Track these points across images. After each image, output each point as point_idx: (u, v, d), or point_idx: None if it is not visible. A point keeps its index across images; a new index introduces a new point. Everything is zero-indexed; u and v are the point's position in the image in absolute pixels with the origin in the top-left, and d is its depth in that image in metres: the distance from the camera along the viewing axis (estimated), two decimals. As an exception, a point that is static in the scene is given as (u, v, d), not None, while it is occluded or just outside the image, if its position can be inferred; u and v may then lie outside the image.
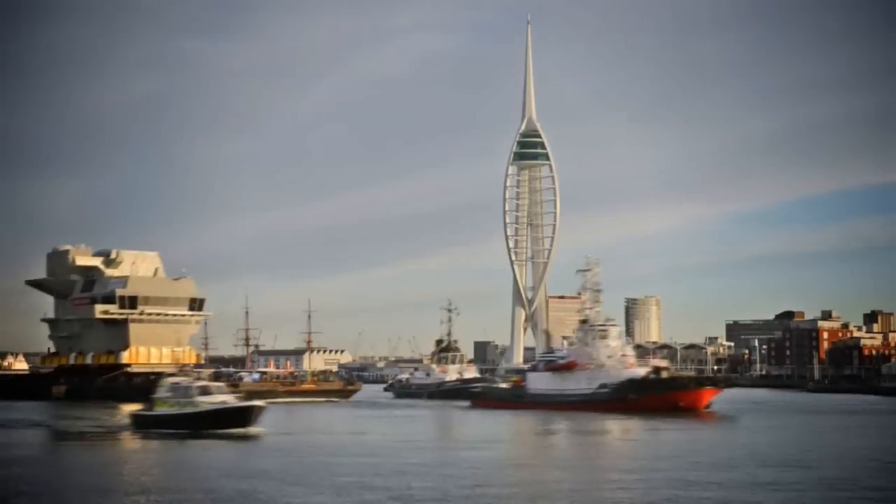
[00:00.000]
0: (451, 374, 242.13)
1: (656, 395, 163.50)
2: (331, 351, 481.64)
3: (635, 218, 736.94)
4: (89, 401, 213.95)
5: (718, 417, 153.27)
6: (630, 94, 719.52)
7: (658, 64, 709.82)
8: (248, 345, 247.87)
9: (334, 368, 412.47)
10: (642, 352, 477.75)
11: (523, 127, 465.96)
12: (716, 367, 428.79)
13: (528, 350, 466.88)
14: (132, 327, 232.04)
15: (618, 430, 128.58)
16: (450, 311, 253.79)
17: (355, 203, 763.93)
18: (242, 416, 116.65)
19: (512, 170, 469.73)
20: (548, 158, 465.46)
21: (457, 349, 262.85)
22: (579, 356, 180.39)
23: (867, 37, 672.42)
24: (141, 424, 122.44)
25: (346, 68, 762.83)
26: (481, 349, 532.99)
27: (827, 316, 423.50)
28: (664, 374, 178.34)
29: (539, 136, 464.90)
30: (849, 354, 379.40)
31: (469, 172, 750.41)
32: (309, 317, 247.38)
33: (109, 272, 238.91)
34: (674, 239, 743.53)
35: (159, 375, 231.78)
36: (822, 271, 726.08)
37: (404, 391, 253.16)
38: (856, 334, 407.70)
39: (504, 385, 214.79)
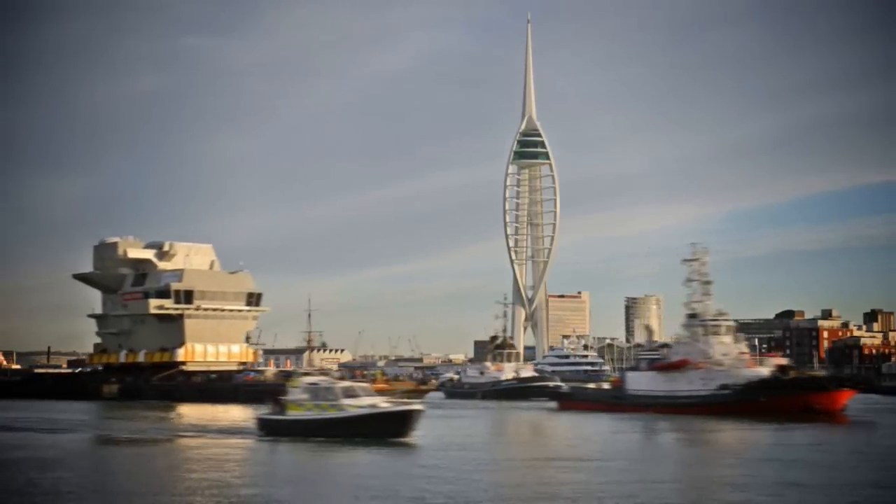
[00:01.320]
0: (508, 372, 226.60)
1: (788, 397, 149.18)
2: (331, 350, 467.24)
3: (635, 217, 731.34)
4: (144, 401, 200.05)
5: (855, 421, 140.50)
6: (630, 94, 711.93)
7: (658, 63, 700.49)
8: (247, 344, 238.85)
9: (335, 367, 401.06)
10: (643, 351, 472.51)
11: (523, 126, 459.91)
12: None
13: (529, 349, 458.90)
14: (188, 323, 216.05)
15: (772, 437, 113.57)
16: (505, 304, 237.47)
17: (355, 202, 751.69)
18: (402, 423, 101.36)
19: (512, 169, 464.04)
20: (548, 158, 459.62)
21: (512, 346, 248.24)
22: (691, 354, 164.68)
23: (868, 35, 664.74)
24: (271, 430, 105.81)
25: (347, 68, 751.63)
26: (481, 348, 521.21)
27: (827, 315, 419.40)
28: (791, 374, 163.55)
29: (539, 136, 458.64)
30: (849, 354, 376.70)
31: (469, 171, 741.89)
32: (309, 315, 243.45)
33: (162, 265, 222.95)
34: (674, 238, 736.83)
35: (219, 374, 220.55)
36: (822, 270, 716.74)
37: (455, 391, 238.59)
38: (856, 333, 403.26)
39: (591, 385, 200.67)
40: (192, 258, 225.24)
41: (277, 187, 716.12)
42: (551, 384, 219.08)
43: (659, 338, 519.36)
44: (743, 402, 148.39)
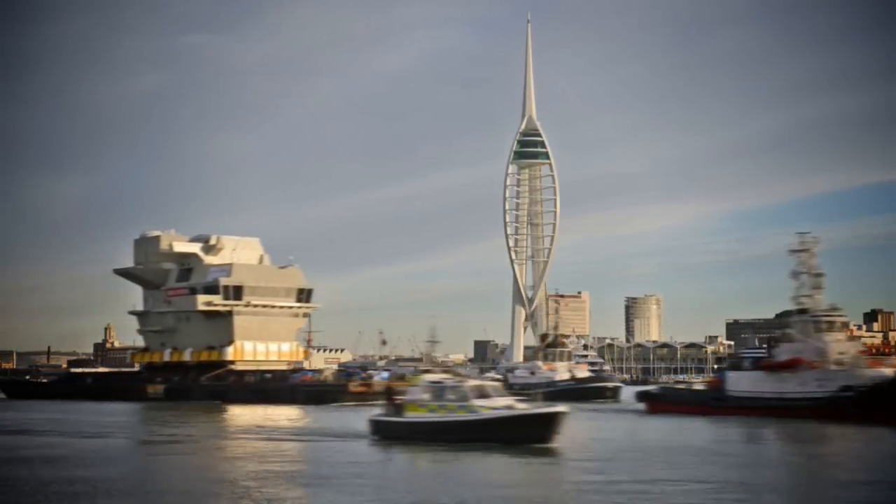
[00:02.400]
0: (562, 372, 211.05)
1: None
2: (331, 350, 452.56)
3: (635, 217, 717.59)
4: (192, 401, 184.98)
5: None
6: (630, 93, 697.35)
7: (658, 63, 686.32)
8: None
9: (335, 367, 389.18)
10: (643, 351, 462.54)
11: (523, 126, 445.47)
12: (715, 367, 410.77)
13: (528, 349, 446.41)
14: (237, 320, 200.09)
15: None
16: (557, 300, 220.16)
17: (355, 202, 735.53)
18: (546, 426, 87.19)
19: (512, 169, 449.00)
20: (548, 157, 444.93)
21: (564, 343, 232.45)
22: (803, 352, 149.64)
23: (868, 35, 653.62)
24: (386, 433, 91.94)
25: (348, 67, 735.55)
26: (481, 348, 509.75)
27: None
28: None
29: (539, 136, 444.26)
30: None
31: (469, 171, 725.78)
32: (308, 316, 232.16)
33: (209, 259, 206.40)
34: (674, 238, 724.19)
35: (273, 373, 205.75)
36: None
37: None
38: (856, 333, 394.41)
39: (680, 386, 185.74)
40: (238, 252, 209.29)
41: (278, 187, 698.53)
42: (611, 384, 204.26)
43: (658, 338, 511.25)
44: (871, 406, 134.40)
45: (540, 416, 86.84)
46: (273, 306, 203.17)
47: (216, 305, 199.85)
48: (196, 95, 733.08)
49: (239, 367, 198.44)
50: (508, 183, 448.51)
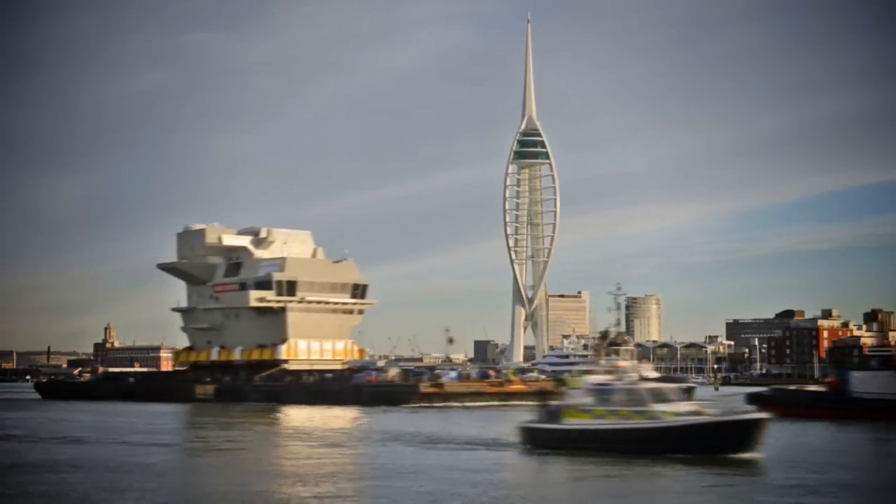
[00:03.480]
0: (631, 372, 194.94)
1: None
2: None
3: (635, 217, 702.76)
4: (245, 403, 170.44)
5: None
6: (630, 93, 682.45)
7: (659, 62, 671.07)
8: None
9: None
10: (643, 351, 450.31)
11: (523, 126, 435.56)
12: (716, 367, 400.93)
13: (528, 349, 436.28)
14: (291, 317, 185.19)
15: None
16: (616, 295, 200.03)
17: (355, 201, 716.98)
18: (745, 435, 73.80)
19: (512, 168, 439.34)
20: (548, 157, 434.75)
21: (626, 342, 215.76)
22: None
23: (869, 34, 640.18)
24: (542, 442, 77.58)
25: (349, 66, 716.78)
26: (481, 348, 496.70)
27: (827, 315, 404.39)
28: None
29: (539, 135, 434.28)
30: (849, 353, 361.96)
31: (469, 171, 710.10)
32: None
33: (259, 253, 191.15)
34: (674, 238, 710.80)
35: (334, 373, 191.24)
36: (822, 270, 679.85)
37: None
38: (856, 333, 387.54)
39: (791, 387, 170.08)
40: (289, 246, 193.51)
41: (278, 187, 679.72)
42: (685, 385, 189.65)
43: (658, 338, 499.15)
44: None
45: (740, 424, 72.86)
46: (328, 302, 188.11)
47: (269, 301, 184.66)
48: (197, 94, 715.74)
49: (292, 366, 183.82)
50: (508, 183, 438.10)
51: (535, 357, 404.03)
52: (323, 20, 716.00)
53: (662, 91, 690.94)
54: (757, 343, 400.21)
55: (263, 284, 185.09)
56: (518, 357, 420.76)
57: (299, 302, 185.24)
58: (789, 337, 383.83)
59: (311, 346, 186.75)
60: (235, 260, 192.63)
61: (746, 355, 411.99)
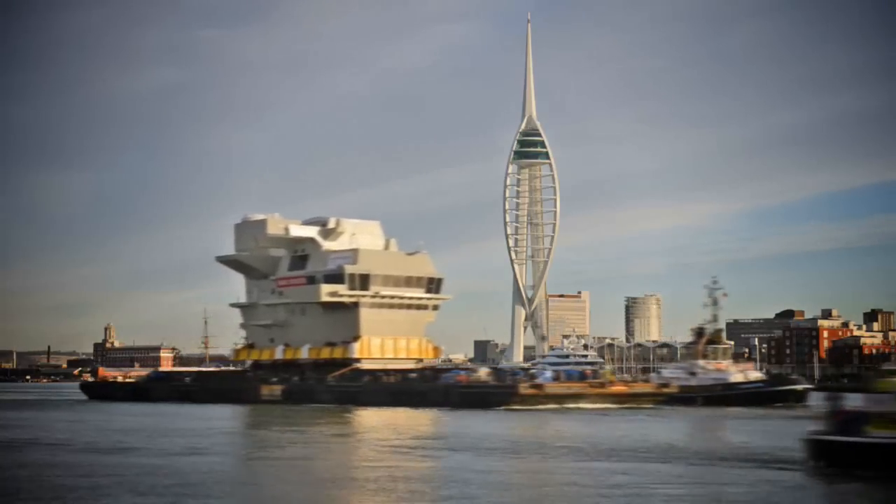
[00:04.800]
0: (734, 373, 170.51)
1: None
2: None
3: (635, 217, 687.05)
4: (316, 404, 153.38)
5: None
6: (631, 93, 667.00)
7: (660, 62, 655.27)
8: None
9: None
10: (643, 350, 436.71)
11: (523, 126, 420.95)
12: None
13: (528, 349, 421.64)
14: (363, 313, 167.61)
15: None
16: (713, 289, 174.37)
17: (355, 201, 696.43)
18: None
19: (512, 168, 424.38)
20: (548, 157, 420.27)
21: (721, 340, 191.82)
22: None
23: (882, 31, 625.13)
24: (841, 459, 59.10)
25: (348, 66, 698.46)
26: (481, 348, 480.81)
27: (827, 315, 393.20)
28: None
29: (539, 135, 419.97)
30: (849, 353, 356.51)
31: (469, 171, 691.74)
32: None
33: (327, 245, 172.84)
34: (674, 238, 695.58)
35: (420, 373, 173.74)
36: (822, 270, 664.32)
37: None
38: (856, 333, 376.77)
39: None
40: (358, 237, 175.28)
41: (281, 182, 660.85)
42: (799, 387, 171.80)
43: (658, 338, 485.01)
44: None
45: None
46: (402, 297, 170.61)
47: (341, 296, 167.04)
48: (210, 89, 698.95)
49: (364, 365, 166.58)
50: (508, 183, 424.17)
51: (535, 357, 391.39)
52: (323, 20, 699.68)
53: (663, 91, 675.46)
54: (757, 343, 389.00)
55: (334, 278, 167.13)
56: (518, 357, 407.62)
57: (372, 297, 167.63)
58: (789, 337, 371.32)
59: (384, 344, 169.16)
60: (301, 252, 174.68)
61: (746, 355, 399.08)
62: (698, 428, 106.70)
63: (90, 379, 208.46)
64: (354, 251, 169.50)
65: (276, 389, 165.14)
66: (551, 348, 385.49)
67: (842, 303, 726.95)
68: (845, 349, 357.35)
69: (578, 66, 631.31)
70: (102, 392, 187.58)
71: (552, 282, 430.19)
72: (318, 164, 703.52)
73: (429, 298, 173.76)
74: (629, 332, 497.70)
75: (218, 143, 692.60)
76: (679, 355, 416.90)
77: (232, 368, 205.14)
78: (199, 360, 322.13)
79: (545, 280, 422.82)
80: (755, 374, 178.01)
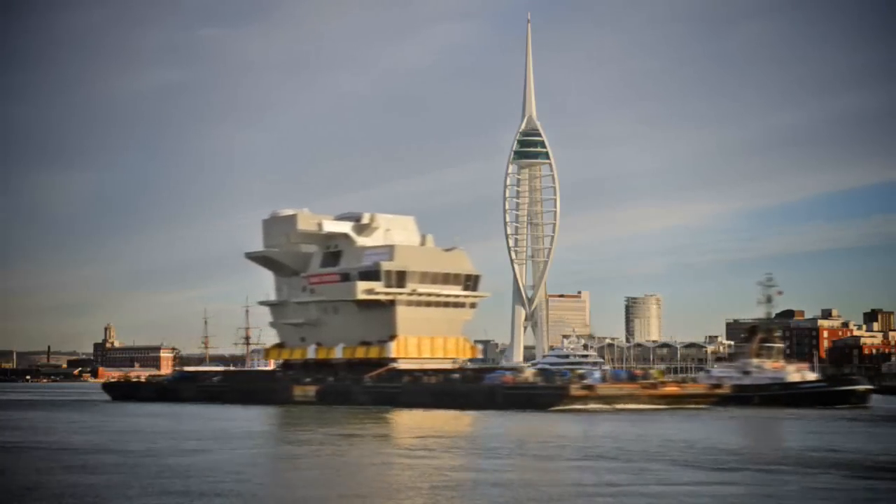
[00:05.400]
0: (791, 372, 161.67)
1: None
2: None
3: (635, 217, 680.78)
4: (355, 405, 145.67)
5: None
6: (631, 93, 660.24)
7: (660, 62, 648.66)
8: (248, 343, 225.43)
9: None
10: (643, 350, 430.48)
11: (523, 126, 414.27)
12: (715, 366, 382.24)
13: (528, 349, 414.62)
14: (400, 311, 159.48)
15: None
16: (768, 285, 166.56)
17: (356, 200, 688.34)
18: None
19: (512, 168, 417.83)
20: (548, 157, 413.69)
21: (777, 338, 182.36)
22: None
23: (883, 31, 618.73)
24: None
25: (349, 65, 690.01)
26: (481, 348, 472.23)
27: (827, 315, 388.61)
28: None
29: (539, 135, 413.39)
30: (849, 353, 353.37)
31: (469, 171, 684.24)
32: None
33: (361, 241, 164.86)
34: (674, 238, 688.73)
35: (462, 373, 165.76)
36: (822, 270, 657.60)
37: None
38: (856, 333, 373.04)
39: None
40: (393, 233, 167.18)
41: (281, 183, 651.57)
42: (860, 387, 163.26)
43: (658, 338, 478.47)
44: None
45: None
46: (439, 295, 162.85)
47: (377, 294, 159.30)
48: (210, 89, 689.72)
49: (401, 365, 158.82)
50: (508, 183, 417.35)
51: (536, 357, 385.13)
52: (324, 20, 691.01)
53: (663, 91, 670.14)
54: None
55: (370, 275, 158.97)
56: (518, 357, 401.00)
57: (409, 294, 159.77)
58: (789, 337, 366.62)
59: (421, 343, 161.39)
60: (334, 248, 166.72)
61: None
62: (770, 430, 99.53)
63: (113, 379, 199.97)
64: (391, 247, 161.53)
65: (310, 390, 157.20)
66: (551, 348, 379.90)
67: (842, 303, 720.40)
68: (845, 349, 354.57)
69: (578, 67, 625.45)
70: (126, 392, 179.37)
71: (552, 282, 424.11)
72: (319, 165, 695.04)
73: (466, 296, 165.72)
74: (629, 332, 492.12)
75: (219, 144, 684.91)
76: (679, 355, 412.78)
77: (259, 368, 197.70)
78: (199, 360, 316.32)
79: (545, 280, 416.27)
80: (811, 374, 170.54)
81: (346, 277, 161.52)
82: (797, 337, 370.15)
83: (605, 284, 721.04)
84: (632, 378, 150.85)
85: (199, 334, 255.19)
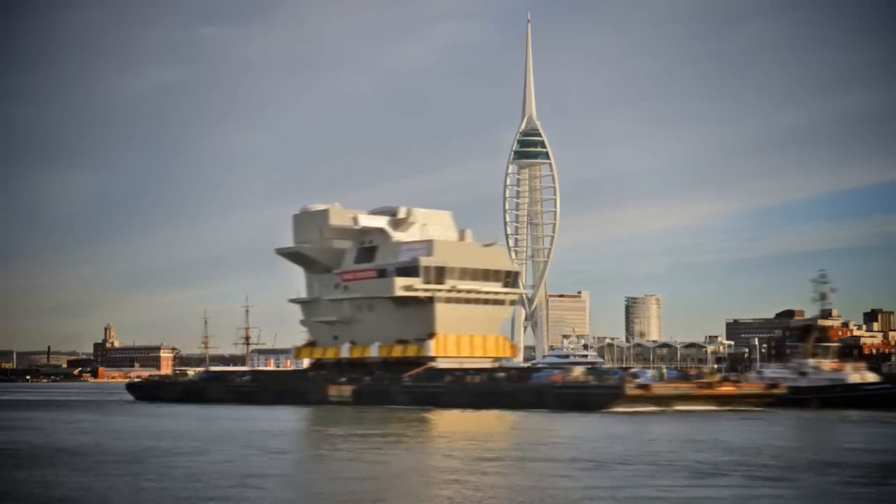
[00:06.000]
0: (850, 373, 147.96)
1: None
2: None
3: (635, 217, 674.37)
4: (393, 406, 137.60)
5: None
6: (631, 93, 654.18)
7: (660, 61, 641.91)
8: (248, 343, 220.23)
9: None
10: (643, 350, 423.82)
11: (523, 126, 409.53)
12: (716, 366, 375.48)
13: (528, 349, 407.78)
14: (439, 309, 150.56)
15: None
16: (820, 282, 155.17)
17: (356, 200, 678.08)
18: None
19: (512, 168, 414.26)
20: (548, 157, 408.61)
21: (828, 337, 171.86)
22: None
23: (885, 31, 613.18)
24: None
25: (350, 66, 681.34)
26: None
27: (827, 315, 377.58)
28: None
29: (539, 135, 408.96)
30: (849, 353, 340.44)
31: (469, 171, 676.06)
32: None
33: (397, 236, 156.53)
34: (674, 238, 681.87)
35: (507, 372, 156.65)
36: (822, 270, 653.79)
37: None
38: (856, 333, 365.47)
39: None
40: (429, 227, 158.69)
41: (282, 183, 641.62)
42: None
43: (658, 338, 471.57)
44: None
45: None
46: (479, 292, 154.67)
47: (416, 290, 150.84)
48: (206, 89, 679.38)
49: (440, 364, 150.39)
50: (509, 183, 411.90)
51: (536, 357, 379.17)
52: (325, 19, 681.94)
53: (663, 91, 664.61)
54: (757, 343, 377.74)
55: (408, 271, 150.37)
56: (518, 357, 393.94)
57: (448, 291, 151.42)
58: (789, 337, 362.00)
59: (460, 342, 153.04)
60: (368, 243, 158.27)
61: (746, 355, 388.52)
62: (851, 435, 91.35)
63: (136, 379, 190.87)
64: (429, 242, 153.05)
65: (346, 390, 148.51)
66: (551, 348, 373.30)
67: (842, 303, 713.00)
68: (845, 349, 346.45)
69: (578, 66, 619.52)
70: (150, 392, 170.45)
71: (552, 282, 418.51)
72: (319, 164, 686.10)
73: (506, 293, 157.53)
74: (629, 332, 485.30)
75: (220, 143, 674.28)
76: (679, 355, 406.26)
77: (285, 368, 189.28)
78: (199, 360, 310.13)
79: (545, 280, 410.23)
80: (870, 375, 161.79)
81: (382, 273, 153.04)
82: (797, 337, 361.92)
83: (605, 284, 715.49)
84: (684, 377, 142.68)
85: (199, 334, 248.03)
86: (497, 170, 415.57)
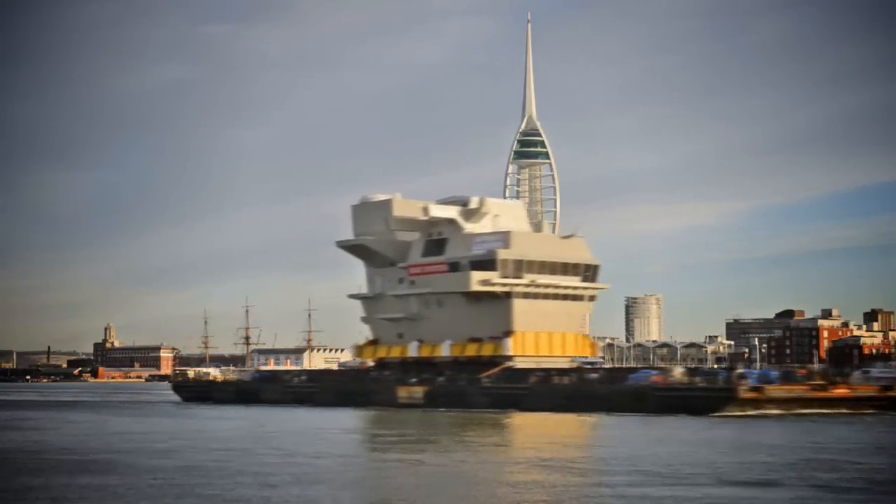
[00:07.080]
0: None
1: None
2: (331, 349, 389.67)
3: (635, 217, 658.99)
4: (473, 409, 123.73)
5: None
6: (631, 93, 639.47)
7: (660, 62, 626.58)
8: (248, 343, 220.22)
9: (335, 367, 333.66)
10: (643, 350, 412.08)
11: (523, 125, 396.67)
12: (715, 366, 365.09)
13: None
14: (517, 305, 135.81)
15: None
16: None
17: (356, 199, 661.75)
18: None
19: (512, 168, 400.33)
20: (548, 157, 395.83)
21: None
22: None
23: (890, 31, 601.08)
24: None
25: (348, 65, 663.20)
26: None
27: (827, 314, 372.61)
28: None
29: (539, 135, 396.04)
30: (849, 353, 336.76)
31: (469, 171, 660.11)
32: (309, 315, 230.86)
33: (469, 227, 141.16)
34: (674, 238, 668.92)
35: (598, 373, 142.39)
36: (822, 270, 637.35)
37: None
38: (856, 333, 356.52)
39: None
40: (502, 219, 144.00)
41: (282, 181, 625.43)
42: None
43: (659, 338, 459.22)
44: None
45: None
46: (558, 286, 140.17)
47: (494, 285, 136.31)
48: (215, 86, 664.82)
49: (518, 364, 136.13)
50: (509, 182, 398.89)
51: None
52: (325, 17, 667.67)
53: (663, 91, 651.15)
54: (757, 343, 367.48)
55: (483, 264, 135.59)
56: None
57: (527, 286, 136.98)
58: (789, 337, 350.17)
59: (539, 340, 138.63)
60: (437, 235, 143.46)
61: (746, 355, 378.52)
62: None
63: (181, 378, 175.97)
64: (506, 234, 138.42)
65: (417, 391, 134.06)
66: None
67: (842, 303, 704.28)
68: (845, 349, 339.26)
69: (578, 66, 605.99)
70: (199, 393, 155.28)
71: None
72: (319, 164, 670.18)
73: (585, 288, 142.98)
74: (629, 332, 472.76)
75: (224, 142, 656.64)
76: (679, 355, 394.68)
77: (346, 368, 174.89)
78: (199, 360, 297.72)
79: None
80: None
81: (454, 267, 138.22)
82: (797, 337, 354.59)
83: (605, 284, 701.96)
84: (790, 378, 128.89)
85: (199, 334, 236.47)
86: (497, 170, 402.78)
